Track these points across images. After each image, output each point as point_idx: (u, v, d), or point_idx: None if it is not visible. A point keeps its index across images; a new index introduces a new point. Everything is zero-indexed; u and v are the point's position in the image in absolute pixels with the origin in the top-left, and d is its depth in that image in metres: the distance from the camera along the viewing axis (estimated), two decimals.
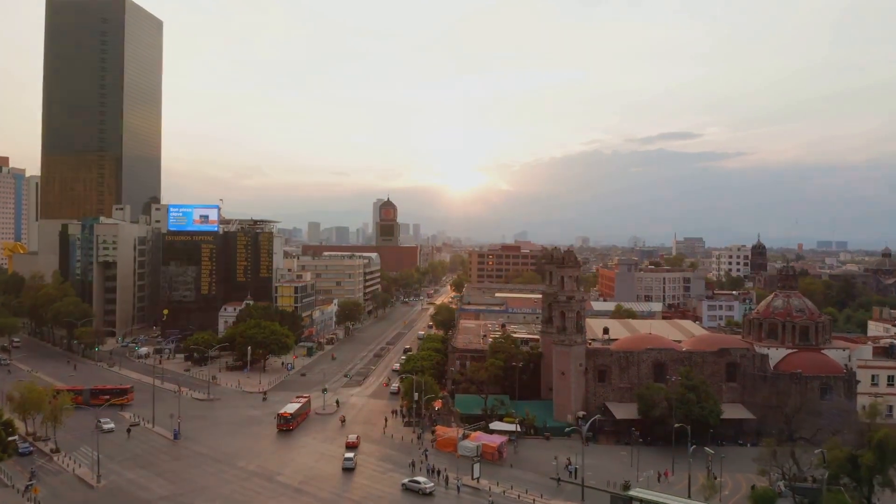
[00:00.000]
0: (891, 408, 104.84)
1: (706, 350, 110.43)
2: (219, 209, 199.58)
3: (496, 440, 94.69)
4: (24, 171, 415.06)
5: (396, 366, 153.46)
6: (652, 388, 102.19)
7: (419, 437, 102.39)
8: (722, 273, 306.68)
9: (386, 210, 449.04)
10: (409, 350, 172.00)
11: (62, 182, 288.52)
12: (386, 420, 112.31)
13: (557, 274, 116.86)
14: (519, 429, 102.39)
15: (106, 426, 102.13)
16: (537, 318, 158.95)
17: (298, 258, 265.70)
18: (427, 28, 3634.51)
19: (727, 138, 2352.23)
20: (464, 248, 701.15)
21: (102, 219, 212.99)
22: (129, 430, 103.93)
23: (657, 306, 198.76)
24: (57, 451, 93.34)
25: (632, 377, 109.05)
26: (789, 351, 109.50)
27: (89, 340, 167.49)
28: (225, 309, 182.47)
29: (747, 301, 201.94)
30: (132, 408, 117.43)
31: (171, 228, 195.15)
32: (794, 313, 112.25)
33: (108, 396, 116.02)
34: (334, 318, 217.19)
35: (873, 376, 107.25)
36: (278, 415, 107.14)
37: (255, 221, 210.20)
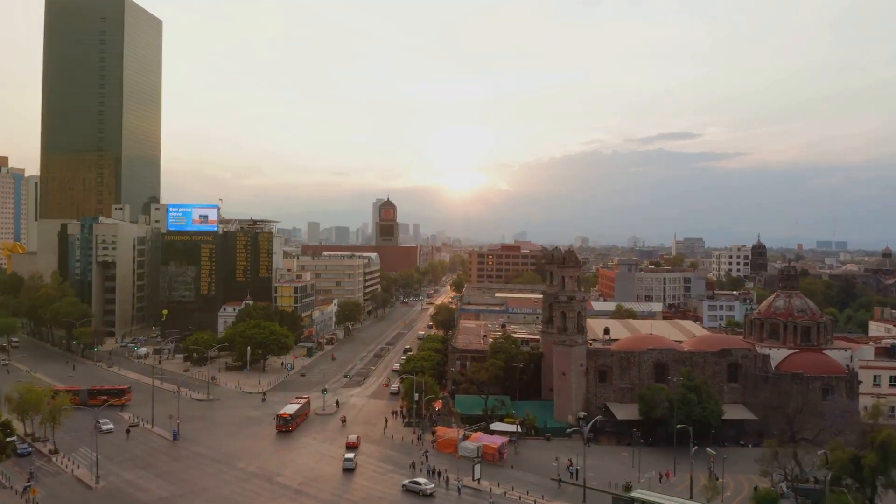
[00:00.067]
0: (893, 408, 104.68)
1: (707, 350, 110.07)
2: (218, 209, 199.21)
3: (497, 441, 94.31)
4: (23, 170, 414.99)
5: (396, 366, 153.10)
6: (653, 388, 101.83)
7: (419, 438, 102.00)
8: (722, 273, 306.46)
9: (386, 210, 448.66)
10: (410, 350, 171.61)
11: (61, 182, 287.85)
12: (386, 421, 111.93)
13: (558, 274, 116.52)
14: (519, 429, 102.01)
15: (105, 427, 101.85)
16: (537, 318, 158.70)
17: (298, 258, 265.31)
18: (427, 28, 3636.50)
19: (727, 138, 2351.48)
20: (463, 248, 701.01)
21: (102, 219, 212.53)
22: (128, 431, 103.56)
23: (657, 306, 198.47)
24: (56, 451, 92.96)
25: (633, 378, 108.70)
26: (791, 351, 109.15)
27: (88, 341, 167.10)
28: (224, 309, 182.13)
29: (748, 301, 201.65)
30: (131, 408, 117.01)
31: (171, 228, 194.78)
32: (796, 313, 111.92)
33: (105, 397, 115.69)
34: (334, 319, 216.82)
35: (875, 377, 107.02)
36: (277, 416, 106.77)
37: (255, 221, 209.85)
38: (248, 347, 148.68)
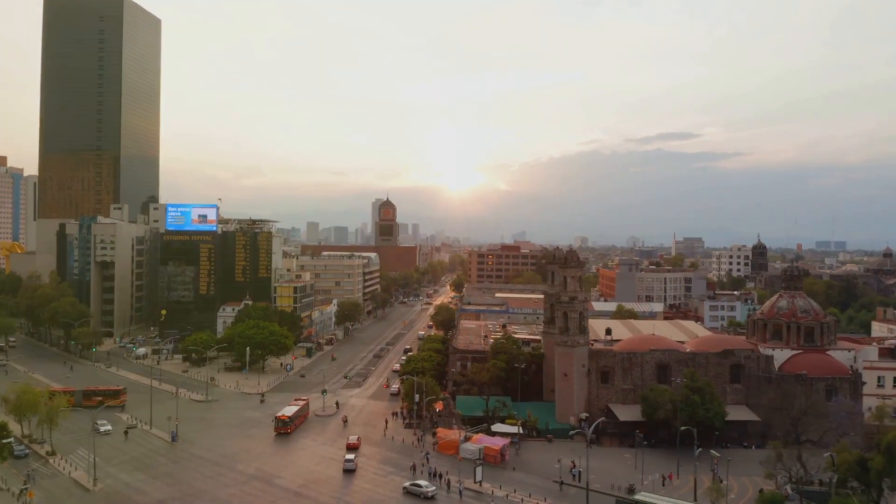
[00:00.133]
0: None
1: (710, 351, 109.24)
2: (217, 209, 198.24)
3: (498, 442, 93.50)
4: (21, 170, 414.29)
5: (396, 366, 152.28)
6: (656, 389, 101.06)
7: (420, 440, 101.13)
8: (723, 273, 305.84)
9: (385, 210, 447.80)
10: (410, 350, 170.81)
11: (60, 181, 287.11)
12: (386, 422, 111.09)
13: (560, 274, 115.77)
14: (521, 431, 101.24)
15: (103, 428, 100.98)
16: (538, 318, 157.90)
17: (297, 258, 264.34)
18: (427, 28, 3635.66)
19: (726, 138, 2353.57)
20: (463, 248, 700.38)
21: (100, 218, 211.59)
22: (126, 433, 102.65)
23: (658, 307, 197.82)
24: (53, 453, 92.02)
25: (635, 378, 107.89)
26: (794, 352, 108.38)
27: (86, 341, 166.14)
28: (223, 309, 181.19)
29: (749, 301, 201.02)
30: (130, 409, 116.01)
31: (170, 228, 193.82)
32: (799, 314, 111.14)
33: (100, 398, 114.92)
34: (333, 319, 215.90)
35: (879, 377, 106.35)
36: (276, 417, 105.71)
37: (254, 221, 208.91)
38: (248, 348, 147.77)
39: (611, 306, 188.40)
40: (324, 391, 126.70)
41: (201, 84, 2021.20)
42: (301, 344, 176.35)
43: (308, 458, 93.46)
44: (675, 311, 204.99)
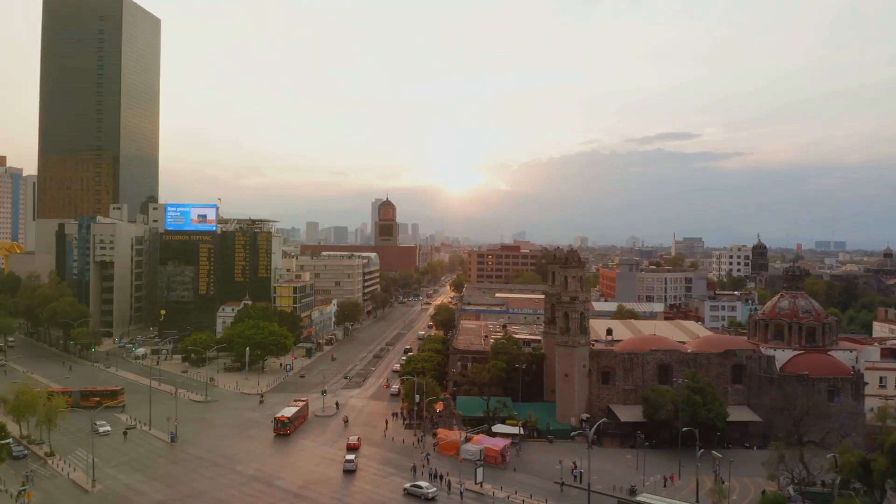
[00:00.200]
0: None
1: (711, 351, 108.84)
2: (217, 208, 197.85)
3: (499, 443, 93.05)
4: (21, 170, 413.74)
5: (397, 367, 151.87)
6: (657, 390, 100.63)
7: (420, 440, 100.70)
8: (723, 273, 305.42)
9: (385, 210, 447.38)
10: (410, 350, 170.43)
11: (59, 181, 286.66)
12: (387, 422, 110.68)
13: (561, 274, 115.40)
14: (522, 431, 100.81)
15: (102, 429, 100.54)
16: (538, 318, 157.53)
17: (297, 258, 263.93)
18: (427, 28, 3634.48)
19: (725, 138, 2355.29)
20: (462, 248, 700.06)
21: (99, 218, 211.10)
22: (125, 433, 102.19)
23: (659, 307, 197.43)
24: (51, 454, 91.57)
25: (636, 379, 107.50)
26: (796, 352, 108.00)
27: (86, 341, 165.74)
28: (223, 309, 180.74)
29: (750, 302, 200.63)
30: (129, 410, 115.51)
31: (169, 228, 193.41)
32: (801, 314, 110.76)
33: (97, 398, 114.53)
34: (333, 319, 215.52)
35: (881, 378, 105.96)
36: (275, 418, 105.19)
37: (254, 221, 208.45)
38: (247, 348, 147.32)
39: (611, 306, 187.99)
40: (324, 392, 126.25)
41: (201, 84, 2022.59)
42: (301, 344, 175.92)
43: (308, 458, 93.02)
44: (676, 312, 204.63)
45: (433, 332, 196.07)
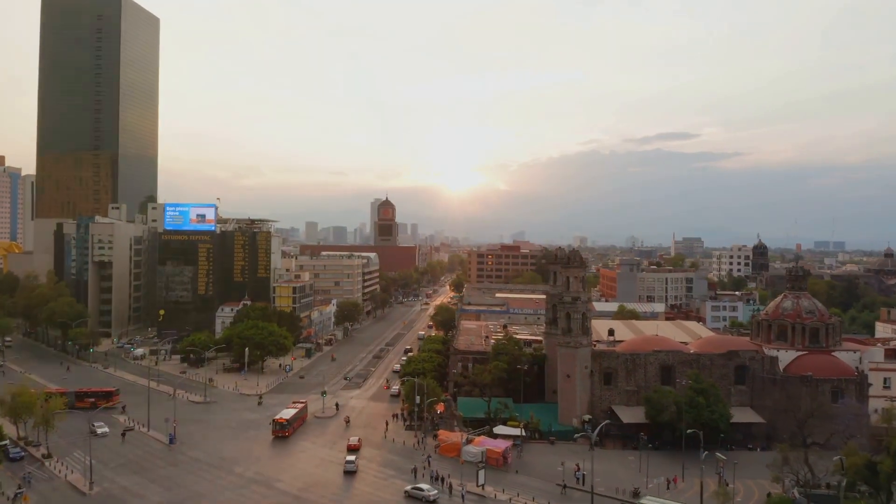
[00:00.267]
0: None
1: (714, 352, 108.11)
2: (216, 208, 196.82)
3: (501, 445, 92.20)
4: (19, 170, 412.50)
5: (397, 367, 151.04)
6: (660, 391, 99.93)
7: (421, 442, 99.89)
8: (723, 273, 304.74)
9: (385, 209, 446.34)
10: (410, 351, 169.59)
11: (58, 181, 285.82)
12: (387, 424, 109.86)
13: (562, 274, 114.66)
14: (523, 433, 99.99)
15: (100, 430, 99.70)
16: (538, 318, 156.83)
17: (296, 258, 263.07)
18: (425, 28, 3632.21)
19: (725, 138, 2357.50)
20: (462, 248, 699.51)
21: (98, 218, 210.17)
22: (123, 435, 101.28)
23: (660, 307, 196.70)
24: (49, 456, 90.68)
25: (638, 380, 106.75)
26: (799, 353, 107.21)
27: (84, 341, 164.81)
28: (222, 309, 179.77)
29: (751, 302, 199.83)
30: (127, 411, 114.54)
31: (168, 228, 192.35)
32: (804, 315, 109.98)
33: (92, 399, 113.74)
34: (333, 319, 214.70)
35: (885, 379, 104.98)
36: (274, 420, 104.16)
37: (253, 221, 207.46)
38: (246, 348, 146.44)
39: (612, 307, 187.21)
40: (323, 392, 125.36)
41: (200, 83, 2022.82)
42: (300, 344, 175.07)
43: (308, 460, 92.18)
44: (677, 312, 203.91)
45: (433, 332, 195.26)
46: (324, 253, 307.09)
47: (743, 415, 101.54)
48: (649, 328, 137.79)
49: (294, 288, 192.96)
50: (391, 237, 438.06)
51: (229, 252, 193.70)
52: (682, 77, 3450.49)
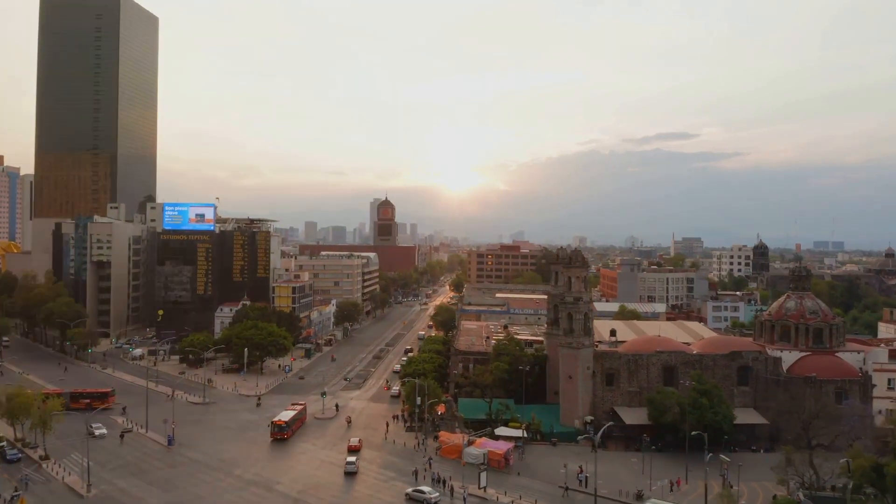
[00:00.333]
0: None
1: (717, 353, 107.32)
2: (215, 208, 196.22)
3: (502, 446, 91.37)
4: (18, 169, 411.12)
5: (397, 367, 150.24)
6: (663, 392, 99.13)
7: (422, 443, 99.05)
8: (724, 273, 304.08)
9: (384, 209, 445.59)
10: (410, 351, 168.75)
11: (56, 180, 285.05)
12: (387, 425, 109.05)
13: (564, 274, 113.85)
14: (525, 434, 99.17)
15: (98, 431, 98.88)
16: (539, 319, 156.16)
17: (296, 258, 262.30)
18: (425, 28, 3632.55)
19: (724, 138, 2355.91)
20: (461, 248, 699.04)
21: (97, 217, 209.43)
22: (121, 436, 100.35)
23: (661, 307, 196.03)
24: (46, 457, 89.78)
25: (641, 381, 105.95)
26: (803, 354, 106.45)
27: (82, 342, 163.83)
28: (221, 309, 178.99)
29: (752, 302, 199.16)
30: (126, 412, 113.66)
31: (167, 227, 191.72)
32: (808, 315, 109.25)
33: (88, 400, 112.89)
34: (332, 319, 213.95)
35: (890, 380, 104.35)
36: (272, 423, 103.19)
37: (252, 220, 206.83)
38: (246, 349, 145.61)
39: (613, 307, 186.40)
40: (323, 393, 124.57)
41: (199, 83, 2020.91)
42: (300, 345, 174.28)
43: (308, 462, 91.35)
44: (678, 312, 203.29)
45: (433, 332, 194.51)
46: (323, 253, 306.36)
47: (746, 416, 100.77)
48: (651, 328, 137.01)
49: (293, 288, 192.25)
50: (391, 237, 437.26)
51: (228, 252, 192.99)
52: (682, 77, 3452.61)
